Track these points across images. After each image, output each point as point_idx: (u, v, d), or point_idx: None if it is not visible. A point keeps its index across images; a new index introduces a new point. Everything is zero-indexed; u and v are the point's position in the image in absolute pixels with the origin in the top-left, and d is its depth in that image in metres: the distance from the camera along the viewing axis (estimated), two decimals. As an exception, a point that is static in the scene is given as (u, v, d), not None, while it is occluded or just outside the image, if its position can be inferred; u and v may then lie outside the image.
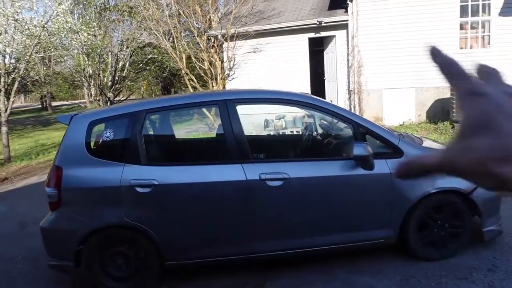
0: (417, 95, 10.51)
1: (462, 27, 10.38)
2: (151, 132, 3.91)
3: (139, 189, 3.21)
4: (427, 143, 3.95)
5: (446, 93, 9.92)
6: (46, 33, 12.12)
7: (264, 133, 9.08)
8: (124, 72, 15.68)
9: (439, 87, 10.24)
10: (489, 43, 10.30)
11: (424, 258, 3.61)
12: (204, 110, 9.94)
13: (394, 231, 3.51)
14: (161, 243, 3.29)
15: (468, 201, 3.57)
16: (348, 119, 3.52)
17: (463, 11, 10.23)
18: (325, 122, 4.39)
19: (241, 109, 3.47)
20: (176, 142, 4.38)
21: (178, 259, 3.38)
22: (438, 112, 10.50)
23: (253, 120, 3.19)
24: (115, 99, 14.11)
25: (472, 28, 10.40)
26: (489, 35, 10.26)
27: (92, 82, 14.52)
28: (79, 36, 13.04)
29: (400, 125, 10.13)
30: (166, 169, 3.33)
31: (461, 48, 10.36)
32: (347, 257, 3.77)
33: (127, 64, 15.77)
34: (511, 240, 3.94)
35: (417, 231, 3.56)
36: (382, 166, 3.40)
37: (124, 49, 15.47)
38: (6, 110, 12.01)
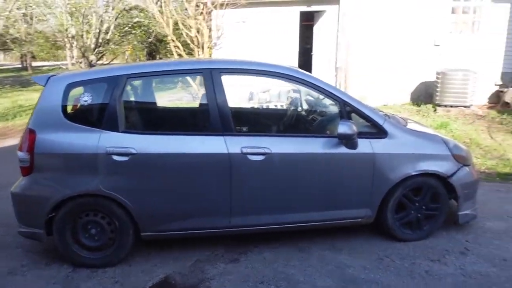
0: (403, 77, 10.52)
1: (454, 11, 10.51)
2: (131, 99, 3.76)
3: (115, 157, 3.11)
4: (411, 125, 3.93)
5: (431, 77, 9.96)
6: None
7: (248, 106, 8.95)
8: (109, 35, 15.21)
9: (424, 70, 10.30)
10: (478, 29, 10.47)
11: (400, 238, 3.65)
12: (189, 78, 9.72)
13: (372, 210, 3.53)
14: (136, 214, 3.21)
15: (446, 185, 3.60)
16: (335, 96, 3.46)
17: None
18: (310, 98, 4.32)
19: (226, 80, 3.36)
20: (157, 110, 4.23)
21: (154, 230, 3.31)
22: (421, 95, 10.63)
23: (238, 92, 3.09)
24: (98, 62, 13.74)
25: (464, 12, 10.59)
26: (479, 21, 10.40)
27: (75, 43, 14.06)
28: (62, -6, 12.54)
29: (384, 105, 10.14)
30: (145, 138, 3.22)
31: (450, 32, 10.45)
32: (324, 234, 3.79)
33: (112, 26, 15.27)
34: (485, 224, 4.01)
35: (395, 212, 3.59)
36: (366, 146, 3.38)
37: (110, 10, 14.95)
38: (-18, 67, 11.59)
